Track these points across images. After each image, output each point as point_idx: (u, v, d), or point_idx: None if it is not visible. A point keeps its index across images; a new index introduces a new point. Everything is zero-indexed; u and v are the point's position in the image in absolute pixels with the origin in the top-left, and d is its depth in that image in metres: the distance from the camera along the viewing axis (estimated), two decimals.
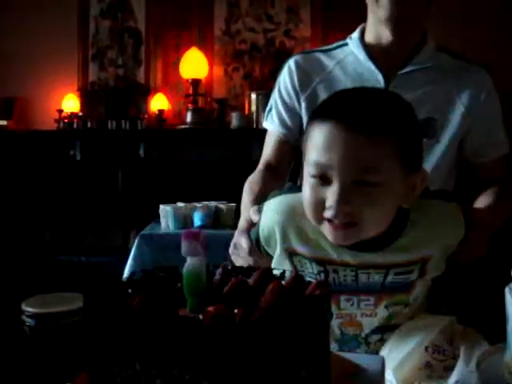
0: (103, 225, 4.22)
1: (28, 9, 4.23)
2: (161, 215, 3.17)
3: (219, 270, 0.86)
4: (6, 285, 3.52)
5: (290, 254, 1.14)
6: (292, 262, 1.15)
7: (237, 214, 1.90)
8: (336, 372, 0.77)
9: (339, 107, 1.04)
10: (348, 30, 1.63)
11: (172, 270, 0.84)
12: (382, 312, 1.14)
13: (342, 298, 1.13)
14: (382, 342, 1.14)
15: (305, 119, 1.59)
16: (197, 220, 3.06)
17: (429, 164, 1.49)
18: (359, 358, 0.87)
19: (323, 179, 1.01)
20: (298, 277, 0.79)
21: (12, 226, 4.12)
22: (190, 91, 4.07)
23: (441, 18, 3.45)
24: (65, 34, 4.28)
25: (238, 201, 1.58)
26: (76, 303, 0.92)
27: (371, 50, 1.55)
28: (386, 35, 1.51)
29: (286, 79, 1.63)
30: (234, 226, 1.42)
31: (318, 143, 1.02)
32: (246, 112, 4.08)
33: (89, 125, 4.25)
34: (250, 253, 1.23)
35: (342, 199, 0.99)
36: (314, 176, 1.03)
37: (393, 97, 1.09)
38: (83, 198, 4.19)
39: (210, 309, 0.72)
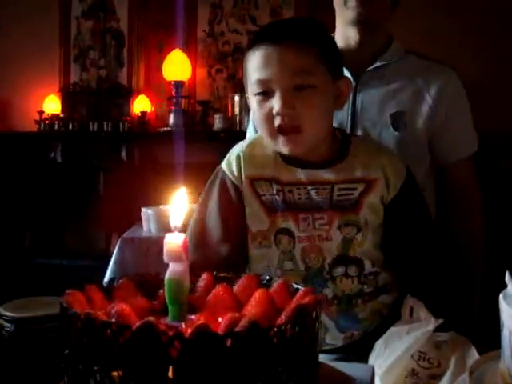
0: (85, 228, 4.16)
1: (9, 8, 4.18)
2: (143, 218, 3.13)
3: (203, 277, 0.83)
4: None
5: (253, 182, 1.30)
6: (257, 192, 1.30)
7: None
8: (324, 382, 0.74)
9: (266, 32, 1.28)
10: (332, 32, 1.64)
11: (154, 277, 0.81)
12: (336, 235, 1.28)
13: (300, 216, 1.28)
14: (348, 279, 1.29)
15: None
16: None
17: (400, 155, 1.49)
18: (348, 367, 0.84)
19: (266, 94, 1.22)
20: (285, 284, 0.76)
21: None
22: (173, 93, 4.03)
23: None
24: (46, 34, 4.22)
25: None
26: (56, 308, 0.89)
27: (340, 52, 1.58)
28: (353, 35, 1.57)
29: None
30: None
31: (255, 65, 1.23)
32: (230, 114, 4.05)
33: (70, 127, 4.18)
34: None
35: (285, 102, 1.20)
36: (258, 94, 1.23)
37: (309, 19, 1.36)
38: (64, 201, 4.13)
39: (193, 317, 0.69)
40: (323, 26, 1.32)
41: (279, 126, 1.22)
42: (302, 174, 1.29)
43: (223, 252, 1.32)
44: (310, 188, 1.28)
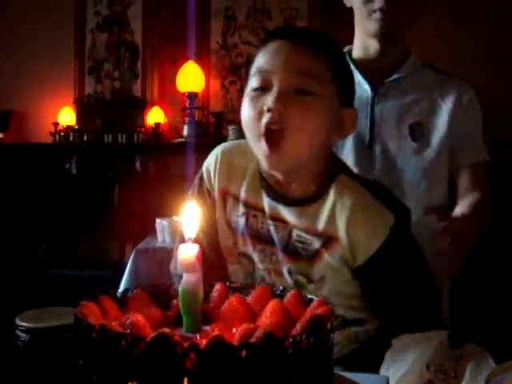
0: (99, 239, 4.18)
1: (24, 22, 4.22)
2: (157, 229, 3.13)
3: (216, 287, 0.83)
4: (0, 299, 3.47)
5: (224, 196, 1.22)
6: (225, 207, 1.22)
7: None
8: None
9: (282, 30, 1.20)
10: (347, 43, 1.65)
11: (167, 287, 0.81)
12: (286, 276, 1.17)
13: (258, 247, 1.19)
14: None
15: None
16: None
17: (417, 168, 1.51)
18: (363, 377, 0.83)
19: (264, 89, 1.09)
20: (298, 294, 0.75)
21: (6, 239, 4.07)
22: (187, 105, 4.04)
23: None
24: (61, 46, 4.26)
25: None
26: (70, 318, 0.89)
27: (358, 64, 1.59)
28: (373, 46, 1.57)
29: None
30: None
31: (262, 57, 1.12)
32: None
33: (85, 138, 4.21)
34: None
35: (280, 99, 1.06)
36: (255, 89, 1.10)
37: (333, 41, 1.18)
38: (79, 212, 4.15)
39: (207, 328, 0.69)
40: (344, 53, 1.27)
41: (266, 126, 1.07)
42: (266, 204, 1.18)
43: (209, 259, 1.23)
44: (269, 222, 1.17)
